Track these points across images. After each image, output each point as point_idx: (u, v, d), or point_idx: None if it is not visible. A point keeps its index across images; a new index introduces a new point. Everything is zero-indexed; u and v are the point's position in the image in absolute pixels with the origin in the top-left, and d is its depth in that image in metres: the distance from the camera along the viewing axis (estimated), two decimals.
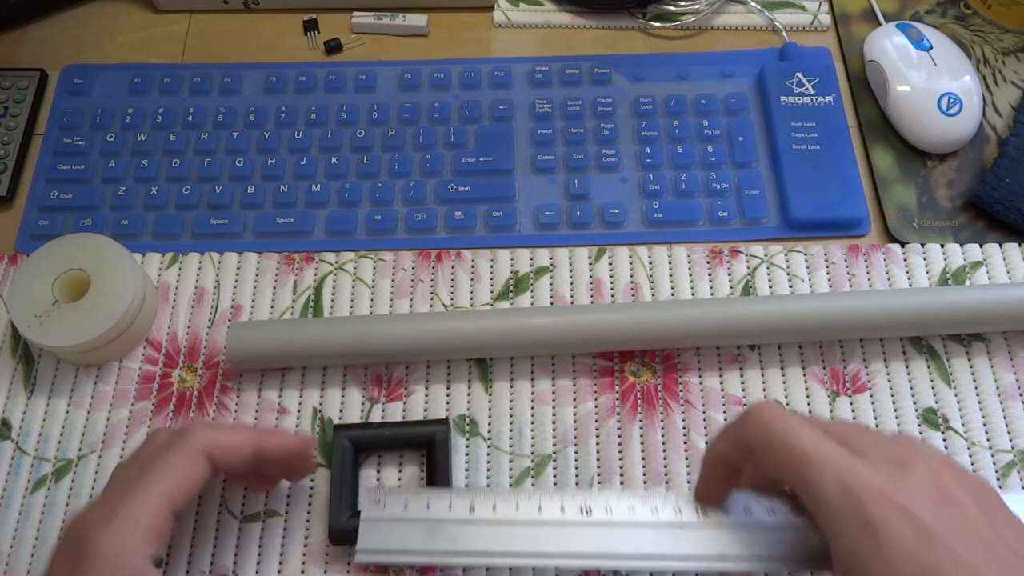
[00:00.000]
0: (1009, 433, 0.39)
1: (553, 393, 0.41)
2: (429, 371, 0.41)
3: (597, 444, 0.39)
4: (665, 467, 0.39)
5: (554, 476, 0.39)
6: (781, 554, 0.30)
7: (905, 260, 0.44)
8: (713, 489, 0.32)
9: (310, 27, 0.52)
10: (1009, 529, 0.26)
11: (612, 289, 0.43)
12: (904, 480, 0.26)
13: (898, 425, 0.40)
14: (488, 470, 0.39)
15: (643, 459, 0.39)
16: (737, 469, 0.31)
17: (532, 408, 0.40)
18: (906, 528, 0.25)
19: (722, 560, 0.31)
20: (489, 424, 0.40)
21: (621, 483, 0.39)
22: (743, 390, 0.41)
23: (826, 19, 0.52)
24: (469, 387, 0.41)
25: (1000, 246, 0.44)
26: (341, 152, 0.47)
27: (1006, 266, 0.43)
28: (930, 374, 0.41)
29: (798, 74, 0.48)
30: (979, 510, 0.26)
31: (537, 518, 0.32)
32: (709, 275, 0.43)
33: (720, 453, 0.31)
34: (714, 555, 0.31)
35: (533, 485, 0.39)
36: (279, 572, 0.37)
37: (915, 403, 0.40)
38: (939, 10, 0.52)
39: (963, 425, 0.40)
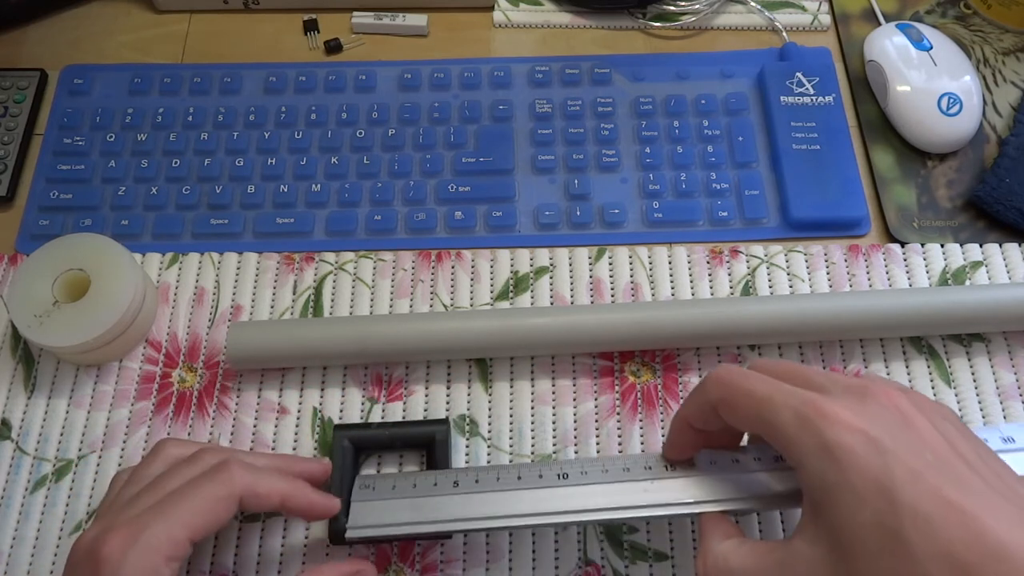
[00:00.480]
0: None
1: (553, 393, 0.41)
2: (429, 371, 0.41)
3: (597, 444, 0.39)
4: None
5: None
6: (747, 496, 0.32)
7: (905, 260, 0.44)
8: (679, 451, 0.33)
9: (310, 27, 0.52)
10: (965, 443, 0.27)
11: (612, 289, 0.43)
12: (862, 406, 0.27)
13: None
14: None
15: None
16: (702, 433, 0.32)
17: (532, 408, 0.40)
18: (863, 447, 0.26)
19: (693, 505, 0.32)
20: (489, 424, 0.40)
21: None
22: None
23: (826, 19, 0.52)
24: (469, 387, 0.41)
25: (1000, 246, 0.44)
26: (341, 152, 0.47)
27: (1006, 266, 0.43)
28: (930, 374, 0.41)
29: (798, 74, 0.48)
30: (936, 430, 0.27)
31: (517, 485, 0.34)
32: (709, 275, 0.43)
33: (685, 417, 0.32)
34: (685, 501, 0.32)
35: None
36: (279, 572, 0.37)
37: None
38: (939, 10, 0.52)
39: None
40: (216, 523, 0.31)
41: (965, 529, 0.24)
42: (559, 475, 0.34)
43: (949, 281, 0.43)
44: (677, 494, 0.33)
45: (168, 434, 0.40)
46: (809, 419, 0.27)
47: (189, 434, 0.40)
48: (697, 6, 0.51)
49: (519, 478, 0.34)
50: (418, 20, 0.51)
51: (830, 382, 0.29)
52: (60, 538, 0.38)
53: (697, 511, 0.32)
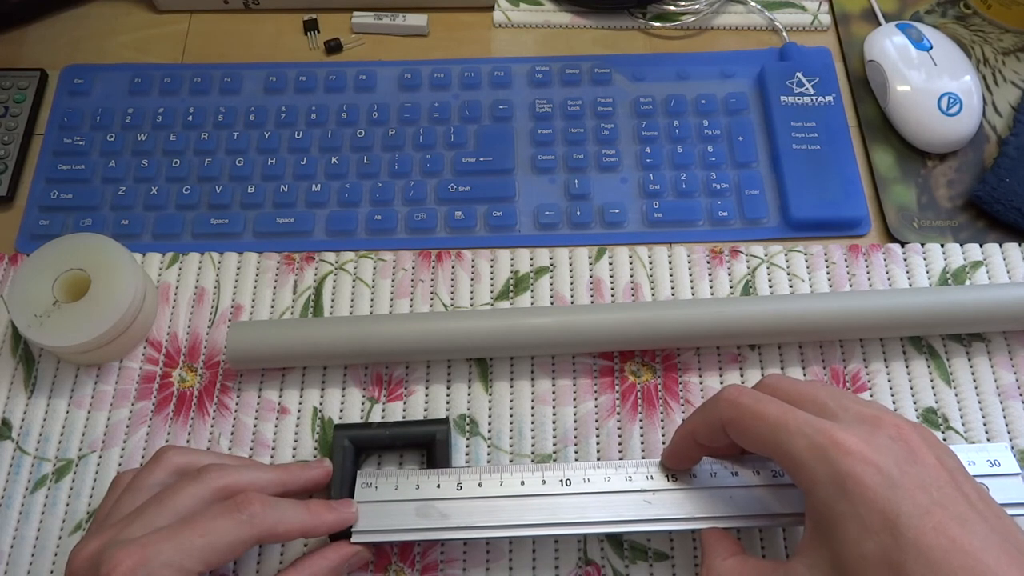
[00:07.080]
0: (1009, 433, 0.39)
1: (553, 393, 0.41)
2: (429, 371, 0.41)
3: (597, 444, 0.39)
4: None
5: None
6: (747, 515, 0.33)
7: (905, 260, 0.44)
8: (681, 462, 0.34)
9: (310, 27, 0.52)
10: (967, 483, 0.28)
11: (612, 289, 0.43)
12: (873, 437, 0.28)
13: None
14: None
15: (643, 459, 0.39)
16: (704, 446, 0.33)
17: (532, 408, 0.40)
18: (872, 479, 0.27)
19: (694, 521, 0.33)
20: (489, 424, 0.40)
21: None
22: None
23: (826, 19, 0.52)
24: (469, 387, 0.41)
25: (1000, 246, 0.44)
26: (341, 152, 0.47)
27: (1006, 266, 0.43)
28: (930, 374, 0.41)
29: (798, 74, 0.48)
30: (941, 467, 0.28)
31: (521, 491, 0.34)
32: (709, 275, 0.43)
33: (692, 431, 0.33)
34: (684, 517, 0.33)
35: None
36: (279, 572, 0.37)
37: (915, 403, 0.40)
38: (939, 10, 0.52)
39: (963, 425, 0.40)
40: (230, 560, 0.31)
41: (966, 568, 0.25)
42: (562, 481, 0.34)
43: (949, 281, 0.43)
44: (678, 509, 0.33)
45: (168, 434, 0.40)
46: (823, 448, 0.28)
47: (189, 433, 0.40)
48: (697, 6, 0.51)
49: (522, 483, 0.34)
50: (418, 20, 0.51)
51: (841, 409, 0.29)
52: (60, 538, 0.38)
53: (698, 527, 0.33)
